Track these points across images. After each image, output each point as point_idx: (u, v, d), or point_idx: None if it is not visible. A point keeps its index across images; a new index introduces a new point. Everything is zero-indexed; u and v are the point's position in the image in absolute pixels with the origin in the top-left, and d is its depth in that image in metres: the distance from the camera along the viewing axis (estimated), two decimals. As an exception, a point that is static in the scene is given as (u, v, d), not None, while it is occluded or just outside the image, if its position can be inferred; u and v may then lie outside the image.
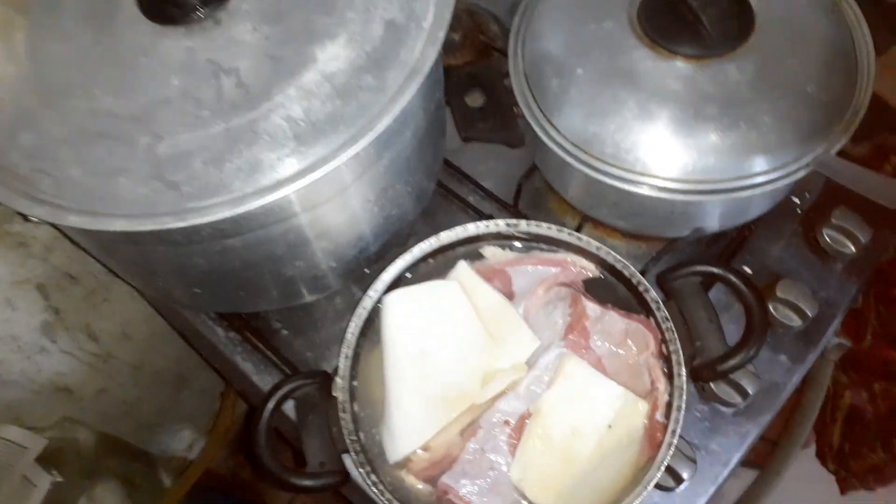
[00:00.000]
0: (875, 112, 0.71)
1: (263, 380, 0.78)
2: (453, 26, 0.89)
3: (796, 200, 0.83)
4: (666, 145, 0.64)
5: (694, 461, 0.69)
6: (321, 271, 0.67)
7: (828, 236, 0.79)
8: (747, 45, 0.64)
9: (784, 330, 0.76)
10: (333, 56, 0.54)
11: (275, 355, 0.78)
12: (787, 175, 0.63)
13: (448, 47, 0.91)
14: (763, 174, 0.63)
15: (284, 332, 0.81)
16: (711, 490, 0.71)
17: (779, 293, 0.75)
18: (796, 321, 0.75)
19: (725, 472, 0.72)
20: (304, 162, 0.51)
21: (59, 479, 0.97)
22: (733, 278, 0.62)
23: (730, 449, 0.72)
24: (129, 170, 0.52)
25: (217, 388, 1.38)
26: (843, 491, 1.27)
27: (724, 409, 0.74)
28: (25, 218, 0.52)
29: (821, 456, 1.30)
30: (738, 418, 0.73)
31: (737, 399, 0.72)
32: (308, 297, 0.73)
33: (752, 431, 0.73)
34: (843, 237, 0.79)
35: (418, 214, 0.76)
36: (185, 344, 1.20)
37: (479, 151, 0.83)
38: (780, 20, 0.66)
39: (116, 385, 1.16)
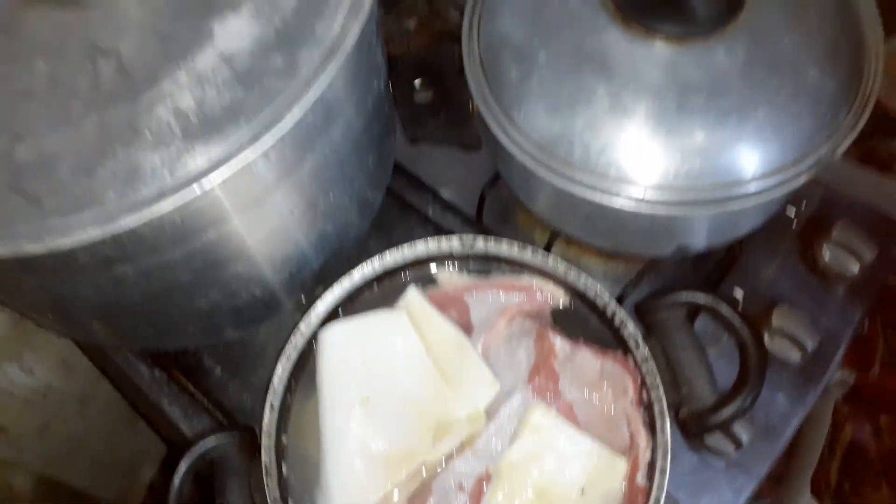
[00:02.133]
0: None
1: (193, 427, 0.68)
2: (408, 11, 0.80)
3: (790, 214, 0.74)
4: (644, 146, 0.54)
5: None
6: (243, 301, 0.56)
7: (828, 255, 0.69)
8: (738, 23, 0.54)
9: (781, 366, 0.66)
10: (235, 32, 0.44)
11: (206, 398, 0.69)
12: (786, 181, 0.54)
13: (401, 35, 0.81)
14: (758, 180, 0.53)
15: (218, 370, 0.71)
16: (699, 554, 0.62)
17: (775, 322, 0.66)
18: (795, 355, 0.66)
19: (719, 532, 0.63)
20: (193, 166, 0.41)
21: (-18, 537, 0.88)
22: (725, 311, 0.52)
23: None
24: (-21, 178, 0.41)
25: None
26: (844, 532, 1.18)
27: (713, 460, 0.64)
28: None
29: (816, 492, 1.21)
30: (731, 471, 0.64)
31: (729, 448, 0.62)
32: (233, 333, 0.62)
33: (747, 485, 0.64)
34: (845, 255, 0.69)
35: (367, 228, 0.66)
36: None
37: (437, 155, 0.74)
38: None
39: (60, 421, 1.06)
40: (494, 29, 0.61)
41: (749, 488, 0.63)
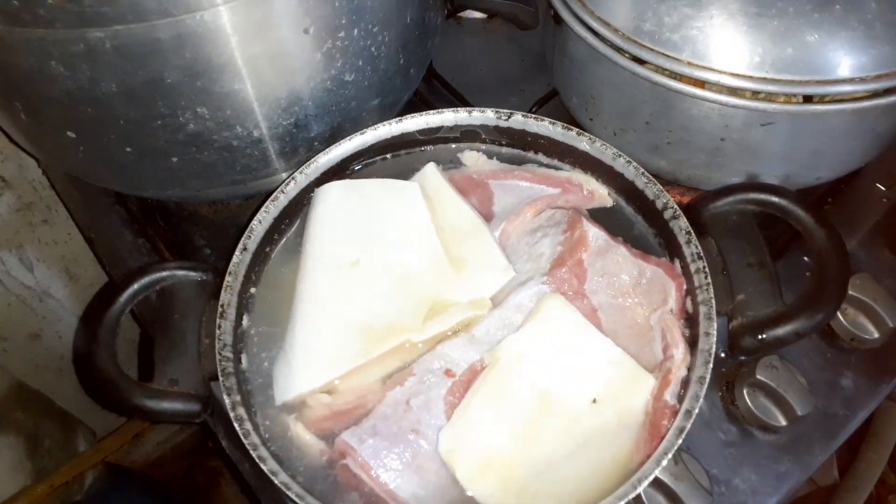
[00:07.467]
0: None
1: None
2: None
3: (881, 188, 0.65)
4: (727, 24, 0.47)
5: (710, 493, 0.49)
6: (240, 136, 0.49)
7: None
8: None
9: (854, 342, 0.57)
10: None
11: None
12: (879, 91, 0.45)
13: None
14: (854, 82, 0.44)
15: (207, 251, 0.66)
16: (724, 539, 0.52)
17: (852, 290, 0.56)
18: (871, 333, 0.56)
19: (749, 521, 0.52)
20: None
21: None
22: (801, 211, 0.43)
23: (760, 490, 0.53)
24: None
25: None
26: None
27: (758, 433, 0.54)
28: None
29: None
30: (776, 451, 0.54)
31: (779, 421, 0.52)
32: (227, 188, 0.55)
33: (792, 473, 0.54)
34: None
35: (393, 106, 0.60)
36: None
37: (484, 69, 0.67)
38: None
39: (53, 333, 1.05)
40: None
41: (794, 478, 0.53)
